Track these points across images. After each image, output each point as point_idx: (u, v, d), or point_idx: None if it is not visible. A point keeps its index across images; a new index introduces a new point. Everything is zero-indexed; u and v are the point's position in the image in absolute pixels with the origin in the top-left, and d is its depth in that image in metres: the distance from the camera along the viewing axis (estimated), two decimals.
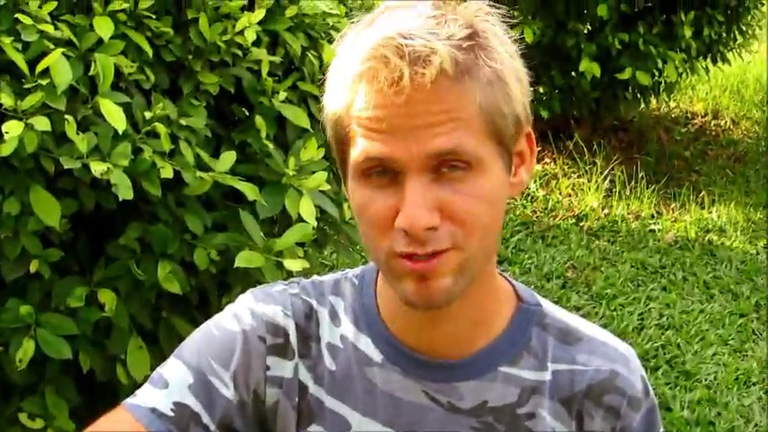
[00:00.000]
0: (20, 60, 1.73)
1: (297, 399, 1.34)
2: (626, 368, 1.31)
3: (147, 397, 1.28)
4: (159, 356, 2.06)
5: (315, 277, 1.43)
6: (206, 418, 1.31)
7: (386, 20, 1.09)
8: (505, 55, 1.12)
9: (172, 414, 1.28)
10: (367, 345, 1.33)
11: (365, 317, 1.34)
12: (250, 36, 2.01)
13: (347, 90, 1.09)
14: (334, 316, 1.37)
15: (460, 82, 1.05)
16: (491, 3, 1.13)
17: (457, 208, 1.08)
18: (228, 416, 1.32)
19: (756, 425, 3.33)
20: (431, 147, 1.05)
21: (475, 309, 1.25)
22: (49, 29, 1.78)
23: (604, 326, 3.82)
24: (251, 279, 2.04)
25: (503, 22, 1.13)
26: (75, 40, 1.82)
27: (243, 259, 1.97)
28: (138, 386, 1.95)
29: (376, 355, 1.31)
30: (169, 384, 1.30)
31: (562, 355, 1.32)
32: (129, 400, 1.27)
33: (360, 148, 1.09)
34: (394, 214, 1.07)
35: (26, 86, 1.75)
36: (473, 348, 1.29)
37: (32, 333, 1.86)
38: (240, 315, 1.34)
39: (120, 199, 1.81)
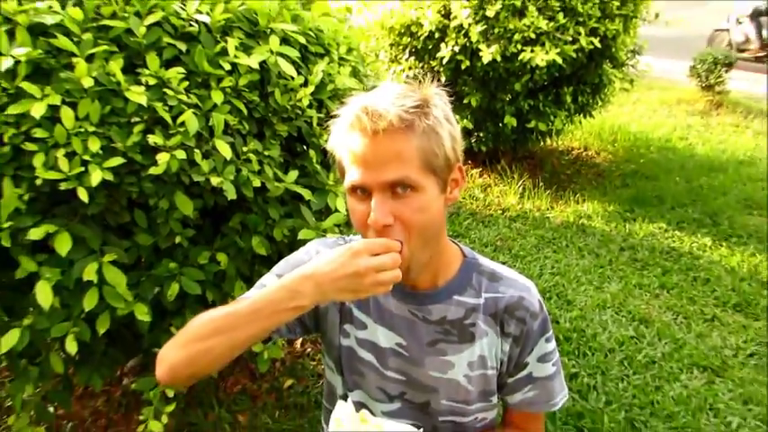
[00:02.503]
0: (167, 116, 1.74)
1: (339, 306, 1.41)
2: (529, 294, 1.36)
3: (251, 293, 1.34)
4: None
5: (348, 236, 1.51)
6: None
7: (368, 94, 1.18)
8: (442, 119, 1.18)
9: None
10: None
11: None
12: (305, 102, 2.02)
13: (340, 133, 1.18)
14: None
15: (405, 132, 1.12)
16: (442, 86, 1.21)
17: (405, 214, 1.16)
18: (297, 324, 1.41)
19: (609, 331, 3.35)
20: (387, 177, 1.13)
21: (437, 265, 1.32)
22: (184, 97, 1.79)
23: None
24: None
25: (449, 96, 1.23)
26: (200, 104, 1.83)
27: (303, 234, 1.99)
28: None
29: None
30: (265, 286, 1.36)
31: (490, 288, 1.37)
32: (241, 296, 1.36)
33: (348, 178, 1.18)
34: (367, 216, 1.15)
35: (171, 132, 1.75)
36: (438, 285, 1.35)
37: (177, 279, 1.88)
38: (307, 250, 1.44)
39: (229, 199, 1.82)
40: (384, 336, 1.37)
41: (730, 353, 3.24)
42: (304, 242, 2.04)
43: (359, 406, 1.45)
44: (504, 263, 3.98)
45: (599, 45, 4.48)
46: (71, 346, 1.72)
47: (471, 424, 1.41)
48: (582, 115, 5.19)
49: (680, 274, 3.97)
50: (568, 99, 4.82)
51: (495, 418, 1.51)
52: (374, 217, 1.13)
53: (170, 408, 1.98)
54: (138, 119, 1.72)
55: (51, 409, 2.36)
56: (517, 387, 1.39)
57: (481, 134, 4.97)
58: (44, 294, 1.65)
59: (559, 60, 4.26)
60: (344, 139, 1.16)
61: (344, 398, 1.45)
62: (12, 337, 1.72)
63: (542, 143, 5.61)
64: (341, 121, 1.18)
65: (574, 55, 4.35)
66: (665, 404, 2.84)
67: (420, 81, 1.21)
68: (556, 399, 1.41)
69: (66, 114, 1.62)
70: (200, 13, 1.87)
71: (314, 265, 1.14)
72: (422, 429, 1.27)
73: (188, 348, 1.21)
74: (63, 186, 1.62)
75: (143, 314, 1.78)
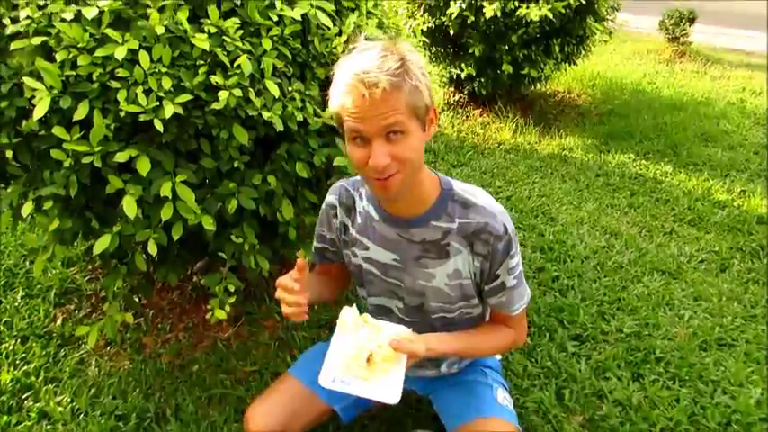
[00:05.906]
0: (226, 60, 1.71)
1: (343, 232, 1.50)
2: (494, 220, 1.37)
3: (314, 240, 1.63)
4: (297, 209, 2.08)
5: (356, 177, 1.52)
6: (327, 246, 1.58)
7: (355, 59, 1.16)
8: (420, 75, 1.18)
9: (318, 247, 1.59)
10: (373, 212, 1.44)
11: (371, 199, 1.45)
12: (339, 49, 1.96)
13: (340, 98, 1.18)
14: (360, 197, 1.48)
15: (395, 93, 1.14)
16: (423, 41, 1.25)
17: (398, 154, 1.19)
18: (335, 244, 1.56)
19: (585, 242, 3.34)
20: (383, 123, 1.16)
21: (417, 194, 1.35)
22: (239, 44, 1.75)
23: (510, 197, 3.86)
24: (341, 171, 2.03)
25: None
26: (252, 50, 1.79)
27: (337, 161, 1.98)
28: (287, 224, 1.95)
29: (376, 216, 1.44)
30: (315, 238, 1.60)
31: (462, 214, 1.39)
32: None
33: (349, 128, 1.19)
34: (366, 160, 1.19)
35: (229, 74, 1.72)
36: (419, 213, 1.39)
37: (236, 196, 1.88)
38: (324, 205, 1.54)
39: (277, 130, 1.81)
40: (382, 254, 1.46)
41: (685, 259, 3.24)
42: (338, 167, 2.06)
43: (378, 308, 1.61)
44: (499, 187, 4.00)
45: (584, 2, 4.32)
46: (152, 249, 1.75)
47: (459, 317, 1.53)
48: (567, 63, 5.03)
49: (645, 196, 3.92)
50: (557, 49, 4.66)
51: (483, 313, 1.60)
52: (375, 159, 1.18)
53: (231, 299, 2.02)
54: (202, 62, 1.69)
55: (137, 299, 2.43)
56: (492, 293, 1.46)
57: (482, 79, 4.85)
58: (129, 206, 1.66)
59: (550, 15, 4.12)
60: (344, 100, 1.16)
61: (364, 299, 1.62)
62: (104, 241, 1.74)
63: (533, 87, 5.45)
64: (338, 87, 1.18)
65: (563, 10, 4.19)
66: (629, 300, 2.86)
67: (391, 37, 1.23)
68: (513, 306, 1.48)
69: (143, 57, 1.60)
70: None
71: None
72: (411, 329, 1.37)
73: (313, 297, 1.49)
74: (142, 118, 1.60)
75: (209, 224, 1.79)
